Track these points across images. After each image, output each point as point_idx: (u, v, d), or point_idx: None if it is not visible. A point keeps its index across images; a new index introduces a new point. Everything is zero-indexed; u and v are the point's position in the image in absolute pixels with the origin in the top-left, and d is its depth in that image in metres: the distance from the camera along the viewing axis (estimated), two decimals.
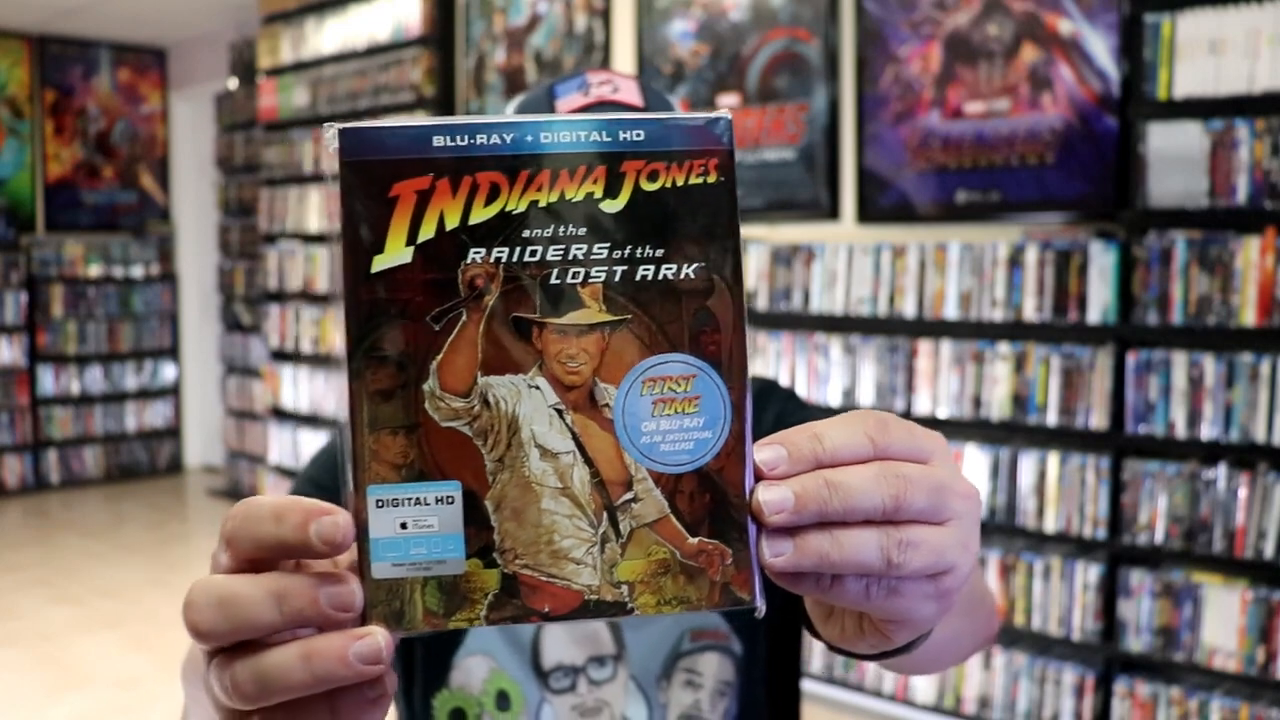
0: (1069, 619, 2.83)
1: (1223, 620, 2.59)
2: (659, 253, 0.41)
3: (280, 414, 5.42)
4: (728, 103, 3.67)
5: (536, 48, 4.36)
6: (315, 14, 5.17)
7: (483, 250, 0.41)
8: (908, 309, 3.10)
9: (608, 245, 0.41)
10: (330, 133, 0.41)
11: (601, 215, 0.41)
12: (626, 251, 0.41)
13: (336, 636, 0.38)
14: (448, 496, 0.40)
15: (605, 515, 0.40)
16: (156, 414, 7.10)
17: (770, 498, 0.40)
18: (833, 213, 3.44)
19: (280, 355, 5.45)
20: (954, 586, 0.43)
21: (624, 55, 4.03)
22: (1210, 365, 2.59)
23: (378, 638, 0.38)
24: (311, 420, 5.22)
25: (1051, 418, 2.84)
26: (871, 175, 3.33)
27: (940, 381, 3.05)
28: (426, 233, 0.40)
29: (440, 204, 0.41)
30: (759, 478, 0.41)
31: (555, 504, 0.40)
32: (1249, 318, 2.53)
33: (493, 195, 0.41)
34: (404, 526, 0.40)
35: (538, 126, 0.41)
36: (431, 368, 0.40)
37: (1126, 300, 2.71)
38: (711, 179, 0.42)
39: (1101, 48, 2.85)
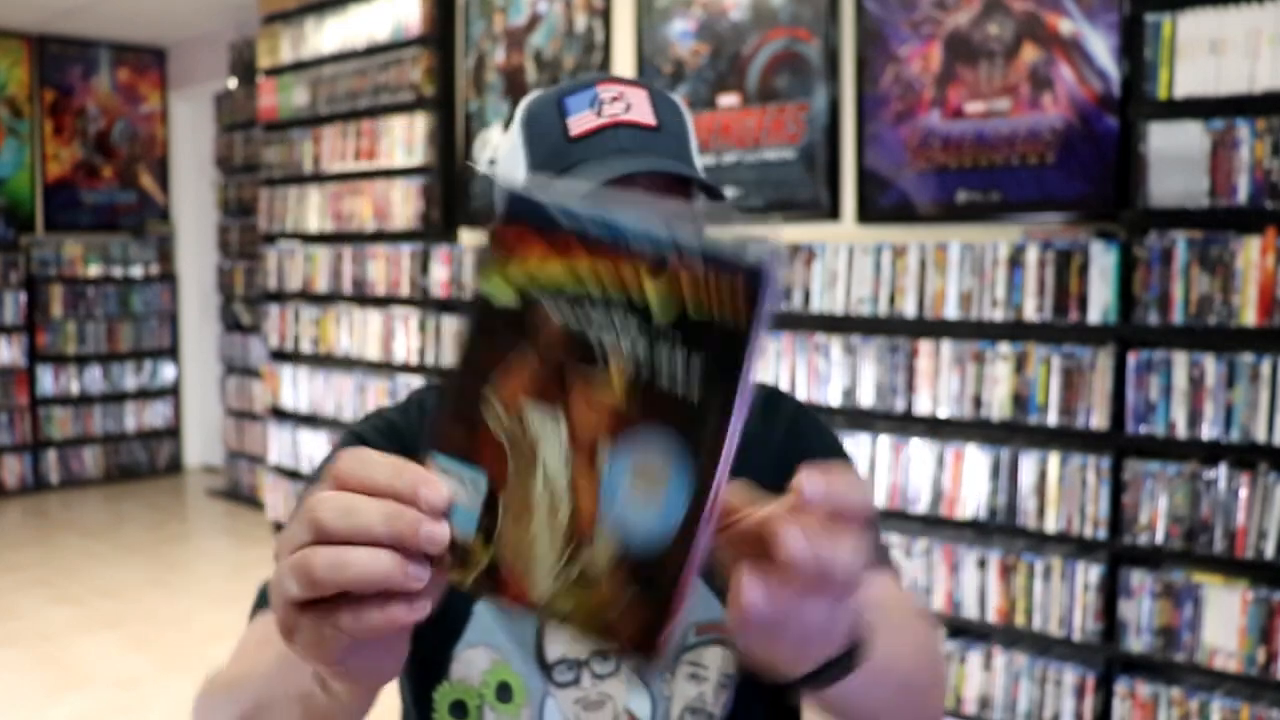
0: (1069, 619, 2.83)
1: (1223, 621, 2.59)
2: (681, 370, 0.47)
3: (280, 414, 5.41)
4: (727, 103, 3.67)
5: (536, 47, 4.36)
6: (315, 14, 5.17)
7: (554, 305, 0.48)
8: (908, 309, 3.10)
9: (646, 343, 0.47)
10: (504, 190, 0.50)
11: (648, 317, 0.47)
12: (657, 357, 0.47)
13: (398, 558, 0.47)
14: (477, 481, 0.49)
15: (570, 549, 0.48)
16: (156, 414, 7.10)
17: (752, 600, 0.48)
18: (833, 212, 3.44)
19: (280, 355, 5.44)
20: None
21: (624, 55, 4.03)
22: (1211, 365, 2.59)
23: (445, 527, 0.48)
24: (311, 420, 5.22)
25: (1052, 418, 2.84)
26: (872, 175, 3.32)
27: (940, 381, 3.04)
28: (519, 277, 0.49)
29: (539, 259, 0.49)
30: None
31: (543, 523, 0.49)
32: (1250, 318, 2.53)
33: (577, 265, 0.48)
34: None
35: (627, 224, 0.47)
36: (494, 382, 0.50)
37: (1127, 300, 2.71)
38: (743, 322, 0.46)
39: (1102, 47, 2.85)
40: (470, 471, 0.50)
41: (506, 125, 0.97)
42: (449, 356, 0.49)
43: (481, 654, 0.90)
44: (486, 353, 0.50)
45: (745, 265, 0.46)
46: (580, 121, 0.85)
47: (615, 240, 0.47)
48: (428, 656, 0.91)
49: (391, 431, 0.94)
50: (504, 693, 0.90)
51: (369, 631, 0.48)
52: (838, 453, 0.98)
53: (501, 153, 0.95)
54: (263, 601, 0.86)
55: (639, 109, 0.86)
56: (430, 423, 0.51)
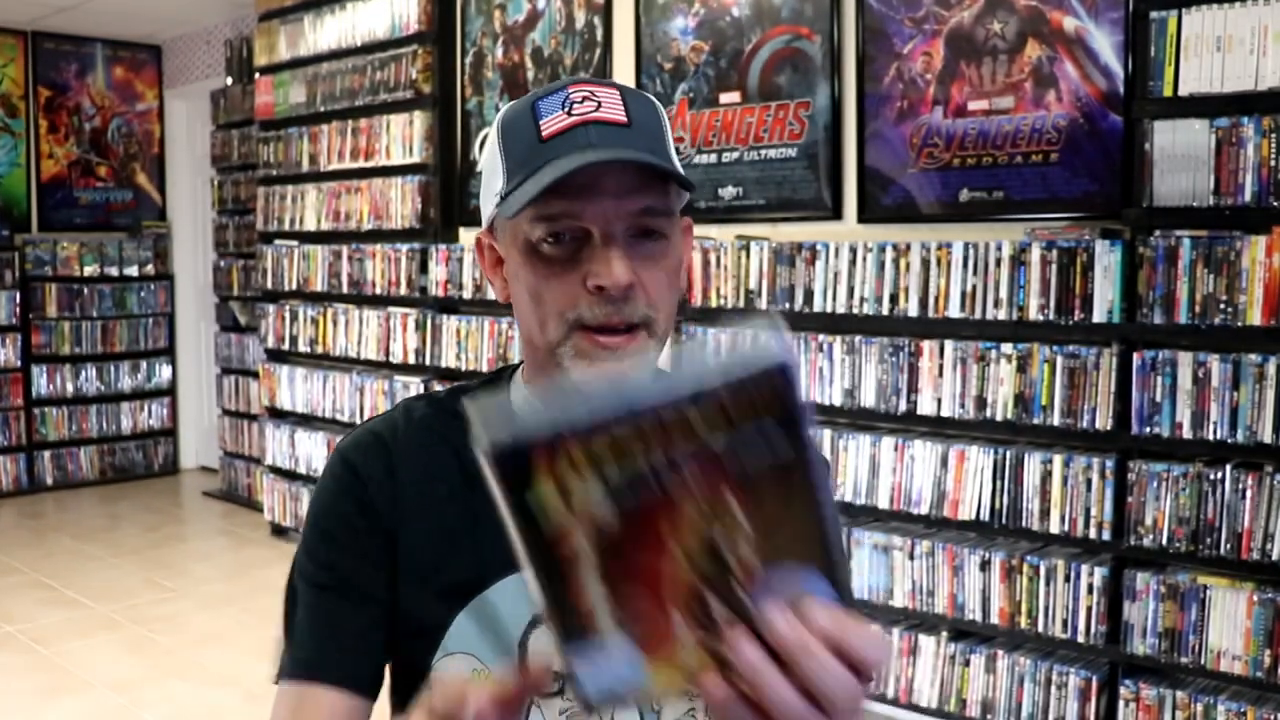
0: (1073, 621, 2.81)
1: (1229, 623, 2.57)
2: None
3: (277, 414, 5.39)
4: (728, 100, 3.65)
5: (535, 44, 4.33)
6: (312, 10, 5.14)
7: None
8: (911, 308, 3.07)
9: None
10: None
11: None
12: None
13: None
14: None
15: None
16: (152, 415, 7.06)
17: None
18: (835, 212, 3.42)
19: (277, 355, 5.42)
20: None
21: (624, 52, 4.00)
22: (1216, 365, 2.57)
23: None
24: (308, 420, 5.19)
25: (1056, 418, 2.82)
26: (874, 173, 3.30)
27: (943, 381, 3.02)
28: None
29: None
30: None
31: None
32: (1255, 317, 2.51)
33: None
34: None
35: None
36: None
37: (1131, 300, 2.69)
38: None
39: (1106, 45, 2.83)
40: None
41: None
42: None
43: (463, 661, 0.89)
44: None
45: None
46: (552, 122, 0.86)
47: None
48: (409, 666, 0.91)
49: (379, 448, 0.93)
50: None
51: None
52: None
53: (484, 163, 0.96)
54: (284, 666, 0.91)
55: (610, 107, 0.86)
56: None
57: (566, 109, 0.86)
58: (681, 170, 0.89)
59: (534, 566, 0.54)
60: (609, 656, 0.55)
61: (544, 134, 0.86)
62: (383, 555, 0.90)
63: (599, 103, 0.86)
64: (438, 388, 1.39)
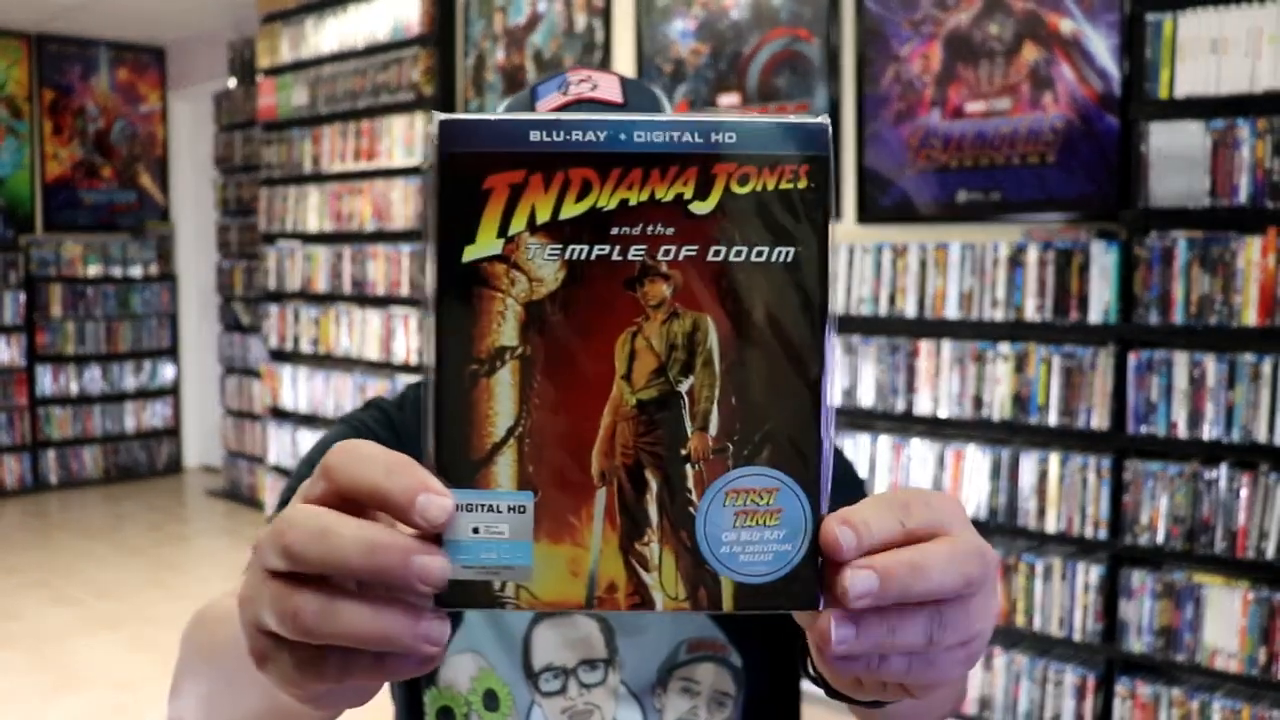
0: (1070, 620, 2.82)
1: (1224, 621, 2.59)
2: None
3: (279, 414, 5.41)
4: (728, 102, 3.67)
5: (536, 47, 4.35)
6: (314, 13, 5.16)
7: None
8: (908, 309, 3.09)
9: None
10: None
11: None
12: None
13: (410, 608, 0.39)
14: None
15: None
16: (155, 414, 7.09)
17: (859, 585, 0.40)
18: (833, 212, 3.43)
19: (279, 355, 5.44)
20: (980, 649, 0.45)
21: (624, 54, 4.02)
22: (1212, 365, 2.58)
23: (446, 622, 0.40)
24: (311, 420, 5.22)
25: (1052, 418, 2.83)
26: (872, 175, 3.32)
27: (941, 381, 3.04)
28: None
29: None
30: (831, 559, 0.41)
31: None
32: (1250, 318, 2.53)
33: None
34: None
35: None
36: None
37: (1128, 300, 2.70)
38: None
39: (1103, 47, 2.84)
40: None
41: None
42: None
43: (469, 660, 0.89)
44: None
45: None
46: (547, 103, 0.86)
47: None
48: None
49: (389, 424, 0.93)
50: (491, 700, 0.89)
51: (356, 682, 0.41)
52: (851, 481, 0.96)
53: None
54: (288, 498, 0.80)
55: (606, 89, 0.87)
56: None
57: (563, 90, 0.87)
58: None
59: (441, 363, 0.41)
60: (494, 524, 0.41)
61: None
62: None
63: (595, 84, 0.87)
64: None
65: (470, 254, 0.41)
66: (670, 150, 0.41)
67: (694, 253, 0.41)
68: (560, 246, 0.41)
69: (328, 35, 5.10)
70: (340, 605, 0.39)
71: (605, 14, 4.09)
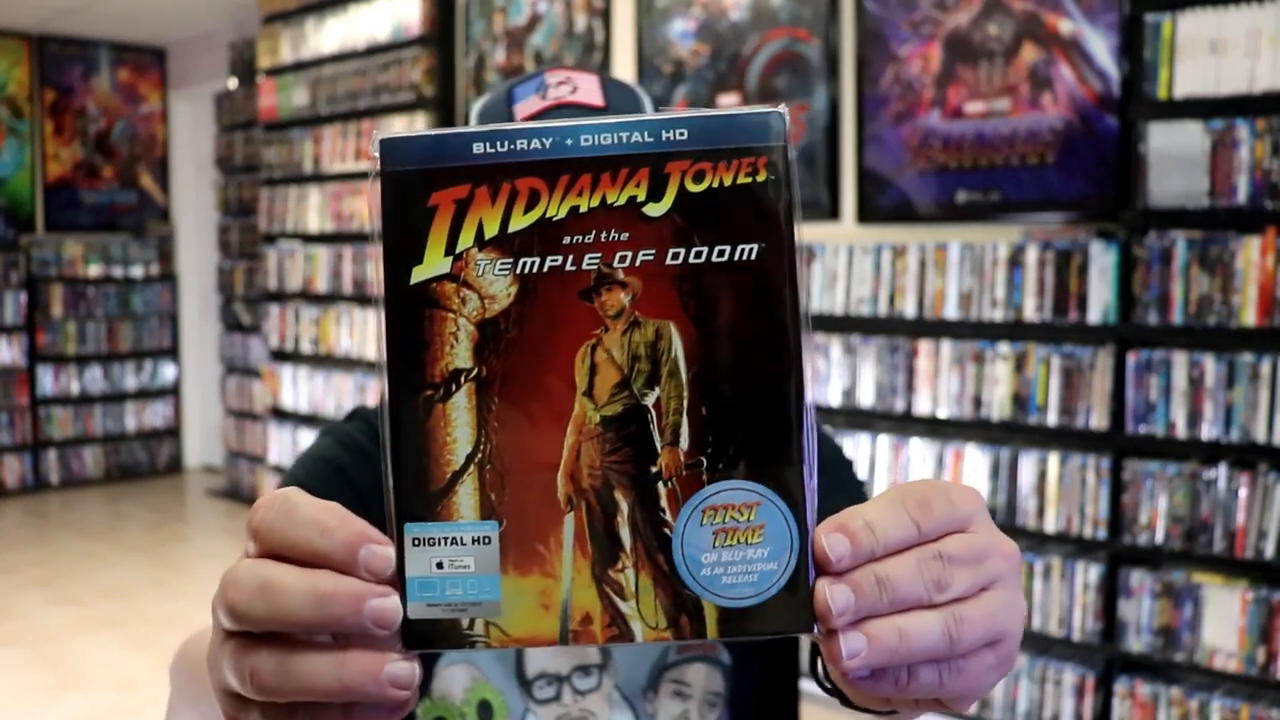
0: (1069, 619, 2.83)
1: (1223, 620, 2.59)
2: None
3: (280, 414, 5.41)
4: (728, 102, 3.67)
5: (536, 47, 4.36)
6: (315, 14, 5.17)
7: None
8: (908, 309, 3.10)
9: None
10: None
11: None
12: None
13: (373, 655, 0.38)
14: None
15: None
16: (156, 414, 7.10)
17: (838, 602, 0.38)
18: (833, 212, 3.44)
19: (280, 355, 5.44)
20: (1011, 653, 0.43)
21: (624, 55, 4.03)
22: (1211, 365, 2.59)
23: (414, 664, 0.38)
24: (311, 420, 5.22)
25: (1052, 418, 2.84)
26: (872, 175, 3.32)
27: (940, 382, 3.04)
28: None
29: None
30: (821, 570, 0.39)
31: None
32: (1249, 318, 2.53)
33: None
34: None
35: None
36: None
37: (1127, 300, 2.71)
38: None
39: (1102, 47, 2.85)
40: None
41: None
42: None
43: (461, 671, 0.89)
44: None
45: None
46: (526, 107, 0.84)
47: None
48: None
49: (373, 435, 0.91)
50: (485, 711, 0.89)
51: None
52: (837, 462, 0.96)
53: None
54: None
55: (586, 91, 0.85)
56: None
57: (541, 93, 0.84)
58: None
59: (394, 391, 0.39)
60: (459, 557, 0.39)
61: (517, 119, 0.84)
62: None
63: (575, 87, 0.85)
64: None
65: (419, 274, 0.39)
66: (620, 152, 0.40)
67: (651, 257, 0.39)
68: (511, 260, 0.40)
69: (328, 36, 5.10)
70: (297, 661, 0.38)
71: (605, 15, 4.09)
